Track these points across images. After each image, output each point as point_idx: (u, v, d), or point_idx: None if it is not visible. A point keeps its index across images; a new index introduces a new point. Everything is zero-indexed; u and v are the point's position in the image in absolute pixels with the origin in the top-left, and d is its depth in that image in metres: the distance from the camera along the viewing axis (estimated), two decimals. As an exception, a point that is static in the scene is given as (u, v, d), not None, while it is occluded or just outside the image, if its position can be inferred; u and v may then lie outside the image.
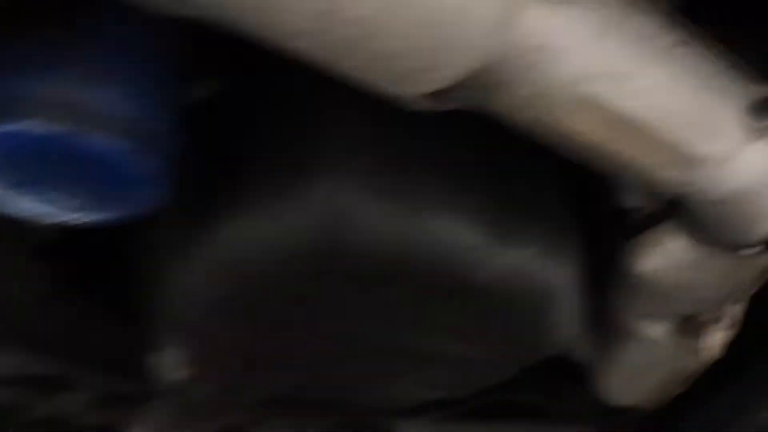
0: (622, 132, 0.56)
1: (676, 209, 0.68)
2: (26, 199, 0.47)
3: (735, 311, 0.83)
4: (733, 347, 0.87)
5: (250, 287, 0.58)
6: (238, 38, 0.48)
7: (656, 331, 0.82)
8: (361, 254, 0.56)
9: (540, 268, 0.65)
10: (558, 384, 1.10)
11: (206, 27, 0.45)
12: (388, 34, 0.42)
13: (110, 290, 0.80)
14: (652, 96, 0.55)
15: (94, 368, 0.79)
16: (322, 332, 0.64)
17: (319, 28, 0.41)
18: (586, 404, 1.12)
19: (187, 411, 0.84)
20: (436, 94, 0.54)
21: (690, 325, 0.80)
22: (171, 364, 0.66)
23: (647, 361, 0.86)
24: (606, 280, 0.78)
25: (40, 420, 0.92)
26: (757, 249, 0.66)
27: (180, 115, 0.49)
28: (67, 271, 0.76)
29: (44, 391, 0.89)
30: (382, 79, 0.47)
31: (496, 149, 0.66)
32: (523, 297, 0.65)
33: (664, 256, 0.70)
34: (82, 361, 0.78)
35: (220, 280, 0.58)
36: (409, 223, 0.57)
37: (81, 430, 1.00)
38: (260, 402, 0.85)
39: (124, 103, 0.44)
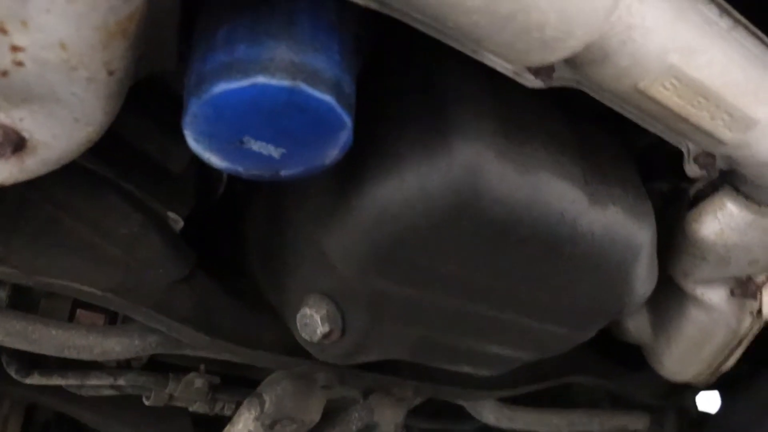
0: (693, 96, 0.69)
1: (733, 175, 0.81)
2: (243, 151, 0.59)
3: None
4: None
5: (397, 243, 0.69)
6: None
7: (715, 296, 0.94)
8: (491, 205, 0.67)
9: (627, 224, 0.77)
10: (617, 368, 1.21)
11: (374, 13, 0.58)
12: (538, 8, 0.56)
13: (232, 270, 0.91)
14: (716, 67, 0.68)
15: (220, 343, 0.88)
16: (454, 284, 0.74)
17: (487, 4, 0.55)
18: (643, 388, 1.23)
19: (304, 384, 0.93)
20: (549, 71, 0.67)
21: (746, 288, 0.92)
22: (314, 321, 0.77)
23: (705, 328, 0.97)
24: (666, 251, 0.90)
25: (159, 408, 1.01)
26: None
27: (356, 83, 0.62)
28: (199, 254, 0.87)
29: (167, 376, 0.99)
30: (522, 49, 0.60)
31: (585, 128, 0.79)
32: (614, 249, 0.76)
33: (724, 218, 0.83)
34: (210, 336, 0.87)
35: (372, 237, 0.69)
36: (527, 180, 0.69)
37: (196, 418, 1.10)
38: (370, 369, 0.95)
39: (331, 67, 0.57)
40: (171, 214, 0.85)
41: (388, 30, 0.69)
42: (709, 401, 1.40)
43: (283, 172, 0.63)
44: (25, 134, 0.62)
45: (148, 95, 0.77)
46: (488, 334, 0.84)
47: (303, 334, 0.79)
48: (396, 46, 0.73)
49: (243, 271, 0.90)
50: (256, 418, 0.94)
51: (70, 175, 0.78)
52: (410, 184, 0.67)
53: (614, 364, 1.20)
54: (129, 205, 0.81)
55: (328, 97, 0.57)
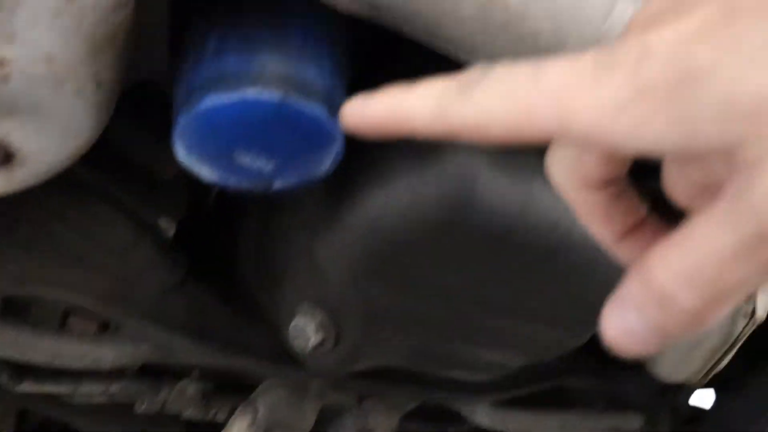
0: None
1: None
2: (235, 164, 0.59)
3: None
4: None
5: (390, 253, 0.68)
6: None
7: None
8: (484, 216, 0.67)
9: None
10: (611, 369, 1.20)
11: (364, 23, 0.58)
12: (534, 17, 0.55)
13: (225, 278, 0.91)
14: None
15: (213, 351, 0.87)
16: (448, 293, 0.74)
17: (480, 15, 0.54)
18: (637, 388, 1.23)
19: (298, 391, 0.93)
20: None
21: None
22: (307, 330, 0.76)
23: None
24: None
25: (151, 414, 1.00)
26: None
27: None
28: (191, 261, 0.87)
29: (159, 383, 0.98)
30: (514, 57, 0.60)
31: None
32: (609, 255, 0.76)
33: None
34: (203, 344, 0.86)
35: (365, 248, 0.68)
36: (521, 189, 0.69)
37: (189, 424, 1.09)
38: (364, 376, 0.95)
39: (322, 78, 0.57)
40: (162, 220, 0.84)
41: (379, 34, 0.68)
42: (701, 397, 1.40)
43: (276, 185, 0.62)
44: (14, 147, 0.61)
45: (137, 99, 0.76)
46: (484, 341, 0.84)
47: (295, 344, 0.78)
48: (386, 50, 0.72)
49: (235, 279, 0.90)
50: (250, 425, 0.94)
51: (61, 185, 0.77)
52: (402, 196, 0.66)
53: (608, 364, 1.20)
54: (121, 214, 0.80)
55: (318, 110, 0.56)
